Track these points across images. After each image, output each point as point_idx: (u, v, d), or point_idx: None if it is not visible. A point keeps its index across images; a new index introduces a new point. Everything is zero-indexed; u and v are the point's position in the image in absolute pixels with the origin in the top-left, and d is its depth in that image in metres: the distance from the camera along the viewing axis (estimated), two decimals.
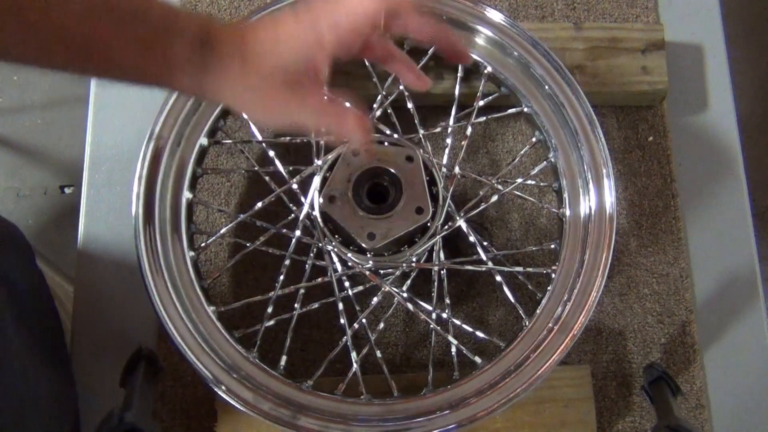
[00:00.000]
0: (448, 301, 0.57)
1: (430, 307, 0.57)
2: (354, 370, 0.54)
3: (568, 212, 0.58)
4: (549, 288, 0.56)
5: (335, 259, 0.56)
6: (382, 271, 0.57)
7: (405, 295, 0.57)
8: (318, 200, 0.54)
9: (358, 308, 0.57)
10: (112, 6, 0.37)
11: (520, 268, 0.59)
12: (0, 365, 0.46)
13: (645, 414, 0.61)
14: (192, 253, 0.56)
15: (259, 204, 0.58)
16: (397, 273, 0.57)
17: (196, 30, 0.40)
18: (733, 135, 0.68)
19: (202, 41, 0.40)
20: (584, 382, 0.59)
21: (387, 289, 0.56)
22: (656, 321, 0.63)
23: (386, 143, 0.56)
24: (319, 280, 0.57)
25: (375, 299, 0.57)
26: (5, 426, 0.46)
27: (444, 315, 0.57)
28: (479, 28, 0.59)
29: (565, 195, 0.58)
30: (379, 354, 0.56)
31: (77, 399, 0.58)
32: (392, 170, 0.54)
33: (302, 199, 0.57)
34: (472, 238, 0.58)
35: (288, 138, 0.62)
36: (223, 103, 0.45)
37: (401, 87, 0.59)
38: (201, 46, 0.40)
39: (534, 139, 0.61)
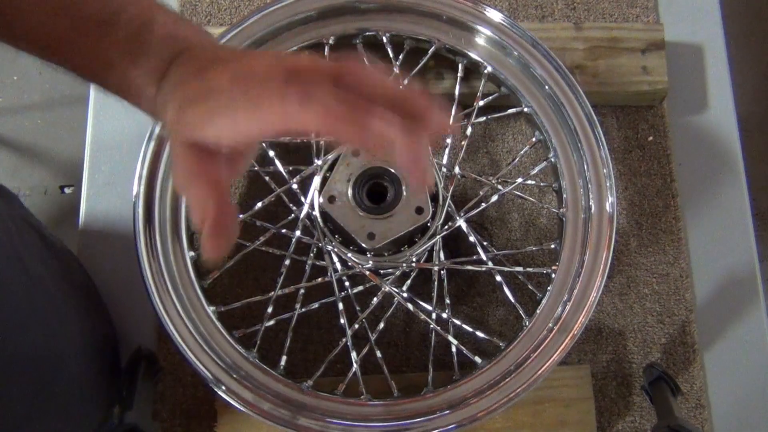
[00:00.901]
0: (448, 301, 0.57)
1: (430, 307, 0.57)
2: (354, 370, 0.54)
3: (568, 212, 0.58)
4: (549, 288, 0.56)
5: (335, 259, 0.57)
6: (382, 271, 0.57)
7: (405, 295, 0.57)
8: (318, 200, 0.54)
9: (358, 308, 0.57)
10: (80, 14, 0.35)
11: (520, 268, 0.59)
12: (31, 300, 0.46)
13: (645, 414, 0.61)
14: (192, 253, 0.56)
15: (259, 204, 0.58)
16: (397, 273, 0.57)
17: (162, 53, 0.36)
18: (733, 135, 0.68)
19: (162, 73, 0.36)
20: (584, 382, 0.59)
21: (387, 289, 0.56)
22: (656, 321, 0.63)
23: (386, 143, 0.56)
24: (319, 280, 0.57)
25: (375, 299, 0.57)
26: (40, 363, 0.46)
27: (444, 315, 0.57)
28: (479, 28, 0.59)
29: (565, 195, 0.58)
30: (379, 354, 0.56)
31: (116, 338, 0.59)
32: (392, 170, 0.54)
33: (302, 199, 0.57)
34: (472, 238, 0.58)
35: (288, 138, 0.62)
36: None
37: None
38: (160, 77, 0.36)
39: (534, 139, 0.61)
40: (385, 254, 0.55)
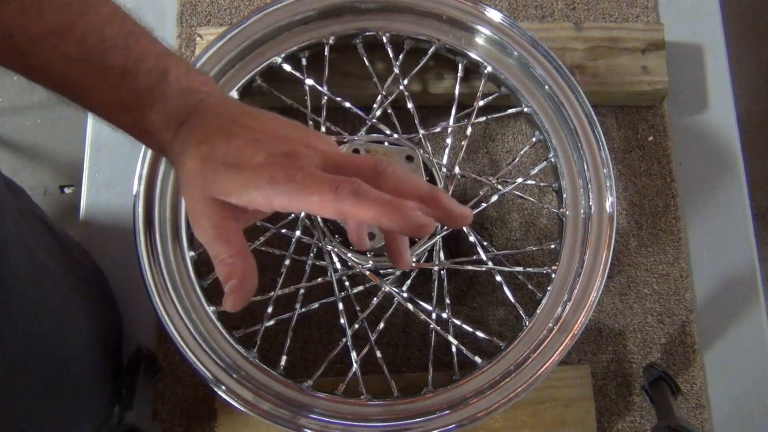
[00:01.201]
0: (448, 301, 0.57)
1: (430, 307, 0.57)
2: (354, 370, 0.54)
3: (568, 212, 0.58)
4: (549, 288, 0.56)
5: (335, 259, 0.57)
6: (382, 271, 0.57)
7: (405, 295, 0.57)
8: None
9: (358, 308, 0.57)
10: (103, 64, 0.37)
11: (520, 268, 0.59)
12: (41, 291, 0.47)
13: (645, 414, 0.61)
14: (192, 253, 0.56)
15: None
16: (397, 273, 0.57)
17: (179, 103, 0.38)
18: (733, 135, 0.68)
19: (180, 121, 0.38)
20: (584, 382, 0.59)
21: (387, 289, 0.56)
22: (656, 321, 0.63)
23: (386, 143, 0.56)
24: (319, 280, 0.57)
25: (375, 299, 0.57)
26: (50, 353, 0.47)
27: (444, 315, 0.57)
28: (479, 28, 0.59)
29: (565, 195, 0.58)
30: (379, 354, 0.56)
31: (122, 332, 0.59)
32: None
33: None
34: (472, 238, 0.58)
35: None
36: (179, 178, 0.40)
37: (401, 87, 0.59)
38: (177, 125, 0.38)
39: (534, 139, 0.61)
40: (385, 254, 0.55)
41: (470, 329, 0.57)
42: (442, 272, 0.57)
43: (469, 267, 0.59)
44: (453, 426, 0.52)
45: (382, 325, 0.57)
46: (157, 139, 0.39)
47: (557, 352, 0.53)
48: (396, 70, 0.60)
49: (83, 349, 0.52)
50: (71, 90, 0.38)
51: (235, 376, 0.52)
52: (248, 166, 0.35)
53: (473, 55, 0.60)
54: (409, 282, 0.57)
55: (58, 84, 0.38)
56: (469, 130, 0.60)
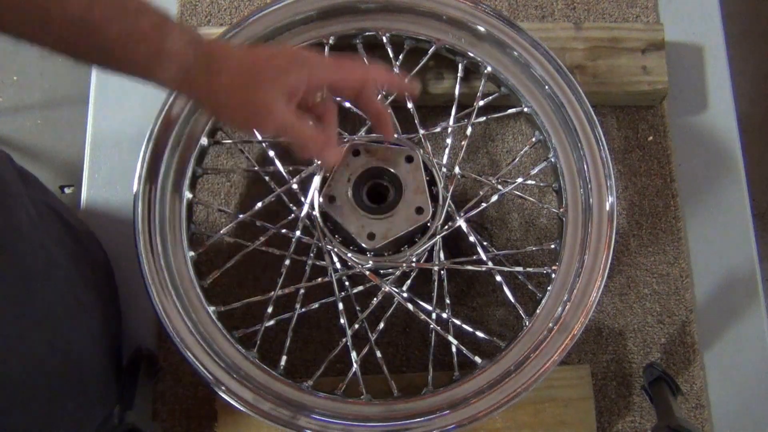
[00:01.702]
0: (448, 301, 0.57)
1: (430, 307, 0.57)
2: (354, 370, 0.54)
3: (568, 212, 0.58)
4: (549, 288, 0.56)
5: (335, 259, 0.56)
6: (382, 271, 0.57)
7: (405, 295, 0.57)
8: (318, 200, 0.54)
9: (358, 308, 0.57)
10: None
11: (520, 268, 0.59)
12: (54, 288, 0.48)
13: (645, 414, 0.61)
14: (192, 253, 0.56)
15: (259, 204, 0.58)
16: (397, 273, 0.57)
17: (190, 31, 0.43)
18: (733, 135, 0.68)
19: (195, 39, 0.43)
20: (584, 382, 0.59)
21: (387, 289, 0.56)
22: (656, 321, 0.63)
23: (386, 143, 0.56)
24: (319, 280, 0.57)
25: (375, 299, 0.57)
26: (62, 351, 0.48)
27: (444, 315, 0.57)
28: (479, 28, 0.59)
29: (565, 195, 0.58)
30: (379, 354, 0.56)
31: (120, 319, 0.60)
32: (392, 170, 0.54)
33: (302, 199, 0.57)
34: (472, 238, 0.58)
35: None
36: (198, 100, 0.46)
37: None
38: (194, 43, 0.43)
39: (534, 139, 0.61)
40: (385, 254, 0.55)
41: (470, 329, 0.57)
42: (442, 272, 0.57)
43: (469, 267, 0.59)
44: (453, 426, 0.52)
45: (382, 325, 0.57)
46: (179, 60, 0.42)
47: (557, 352, 0.53)
48: (396, 70, 0.60)
49: (93, 345, 0.53)
50: (87, 30, 0.39)
51: (235, 376, 0.52)
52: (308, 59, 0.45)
53: (473, 55, 0.60)
54: (409, 282, 0.57)
55: (69, 30, 0.39)
56: (469, 130, 0.60)
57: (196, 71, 0.42)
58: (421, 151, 0.56)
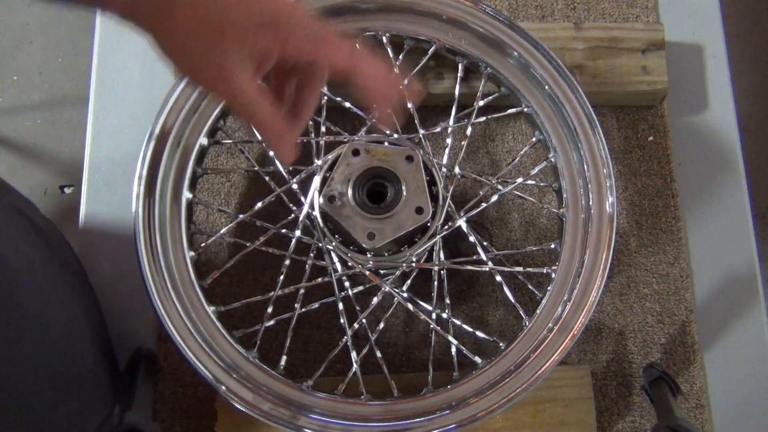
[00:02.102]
0: (448, 301, 0.57)
1: (430, 307, 0.57)
2: (354, 370, 0.54)
3: (568, 212, 0.58)
4: (549, 288, 0.56)
5: (335, 259, 0.56)
6: (382, 271, 0.57)
7: (405, 295, 0.57)
8: (318, 200, 0.54)
9: (358, 308, 0.57)
10: None
11: (520, 268, 0.59)
12: (18, 282, 0.46)
13: (645, 414, 0.61)
14: (192, 253, 0.56)
15: (259, 204, 0.58)
16: (397, 273, 0.57)
17: None
18: (733, 135, 0.68)
19: None
20: (584, 382, 0.59)
21: (387, 289, 0.56)
22: (656, 321, 0.63)
23: (386, 143, 0.56)
24: (319, 280, 0.57)
25: (375, 299, 0.57)
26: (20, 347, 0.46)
27: (444, 315, 0.57)
28: (479, 28, 0.59)
29: (565, 195, 0.58)
30: (379, 354, 0.56)
31: (104, 322, 0.59)
32: (392, 170, 0.54)
33: (302, 199, 0.57)
34: (472, 238, 0.58)
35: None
36: (153, 39, 0.37)
37: (401, 87, 0.59)
38: None
39: (534, 139, 0.61)
40: (385, 254, 0.55)
41: (470, 329, 0.57)
42: (442, 272, 0.57)
43: (469, 267, 0.59)
44: (453, 426, 0.52)
45: (382, 325, 0.57)
46: None
47: (557, 352, 0.53)
48: (396, 70, 0.60)
49: (82, 342, 0.52)
50: None
51: (235, 376, 0.52)
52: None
53: (473, 55, 0.60)
54: (409, 282, 0.57)
55: None
56: (469, 130, 0.60)
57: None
58: (421, 151, 0.56)
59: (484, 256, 0.58)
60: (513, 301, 0.57)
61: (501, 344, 0.56)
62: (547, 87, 0.58)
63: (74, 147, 1.52)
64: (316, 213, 0.55)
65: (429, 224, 0.55)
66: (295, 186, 0.58)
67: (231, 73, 0.36)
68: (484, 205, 0.59)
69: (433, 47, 0.60)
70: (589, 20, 0.69)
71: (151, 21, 0.36)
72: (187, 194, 0.57)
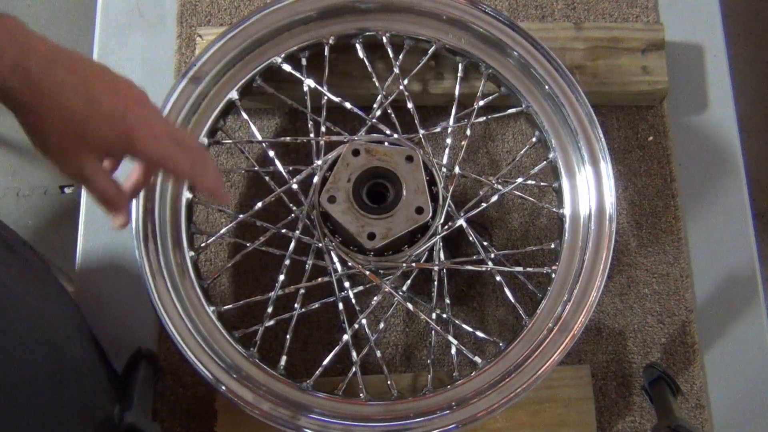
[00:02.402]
0: (448, 301, 0.57)
1: (430, 307, 0.57)
2: (354, 370, 0.54)
3: (568, 212, 0.58)
4: (549, 288, 0.56)
5: (335, 259, 0.56)
6: (382, 271, 0.57)
7: (405, 295, 0.57)
8: (318, 200, 0.54)
9: (358, 308, 0.57)
10: None
11: (520, 268, 0.59)
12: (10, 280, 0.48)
13: (645, 414, 0.61)
14: (192, 253, 0.56)
15: (259, 204, 0.58)
16: (397, 273, 0.57)
17: (16, 52, 0.39)
18: (733, 135, 0.68)
19: (19, 65, 0.39)
20: (584, 382, 0.59)
21: (387, 289, 0.56)
22: (656, 321, 0.63)
23: (386, 143, 0.56)
24: (319, 280, 0.57)
25: (375, 299, 0.57)
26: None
27: (444, 315, 0.57)
28: (479, 27, 0.59)
29: (565, 195, 0.58)
30: (379, 354, 0.56)
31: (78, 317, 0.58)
32: (392, 170, 0.54)
33: (302, 199, 0.57)
34: (472, 238, 0.58)
35: (288, 138, 0.63)
36: (16, 117, 0.43)
37: (401, 87, 0.59)
38: (16, 69, 0.39)
39: (534, 139, 0.61)
40: (385, 254, 0.55)
41: (470, 329, 0.57)
42: (442, 272, 0.57)
43: (469, 267, 0.59)
44: (453, 426, 0.52)
45: (382, 325, 0.57)
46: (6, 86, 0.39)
47: (557, 352, 0.53)
48: (396, 70, 0.60)
49: (72, 334, 0.52)
50: None
51: (235, 376, 0.52)
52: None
53: (473, 55, 0.60)
54: (409, 282, 0.57)
55: None
56: (468, 131, 0.60)
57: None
58: (421, 151, 0.56)
59: (484, 256, 0.58)
60: (513, 301, 0.57)
61: (501, 344, 0.56)
62: (547, 87, 0.58)
63: None
64: (316, 213, 0.55)
65: (429, 224, 0.55)
66: (295, 186, 0.58)
67: (82, 168, 0.43)
68: (484, 205, 0.59)
69: (433, 47, 0.60)
70: (589, 20, 0.69)
71: (21, 112, 0.41)
72: (187, 194, 0.57)
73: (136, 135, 0.44)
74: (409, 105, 0.59)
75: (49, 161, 0.44)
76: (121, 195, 0.48)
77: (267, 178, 0.59)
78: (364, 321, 0.56)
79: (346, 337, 0.55)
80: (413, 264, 0.56)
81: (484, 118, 0.61)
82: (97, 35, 0.69)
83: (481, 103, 0.60)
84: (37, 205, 1.49)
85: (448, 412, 0.52)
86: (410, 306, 0.57)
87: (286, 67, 0.60)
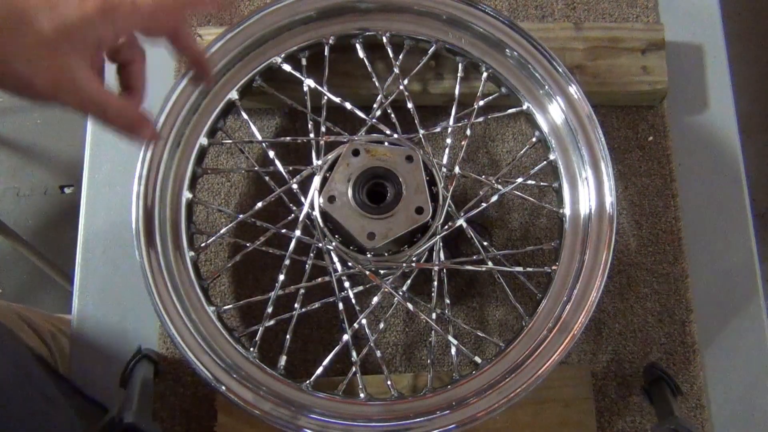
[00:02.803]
0: (448, 301, 0.57)
1: (430, 307, 0.57)
2: (354, 370, 0.54)
3: (568, 212, 0.58)
4: (549, 288, 0.56)
5: (335, 259, 0.56)
6: (382, 271, 0.57)
7: (405, 294, 0.57)
8: (318, 200, 0.54)
9: (358, 308, 0.57)
10: None
11: (520, 268, 0.59)
12: None
13: (645, 414, 0.61)
14: (192, 253, 0.56)
15: (259, 204, 0.58)
16: (397, 273, 0.57)
17: None
18: (733, 135, 0.68)
19: None
20: (584, 382, 0.59)
21: (387, 289, 0.56)
22: (656, 321, 0.63)
23: (386, 143, 0.56)
24: (319, 280, 0.57)
25: (375, 299, 0.57)
26: None
27: (444, 315, 0.57)
28: (479, 27, 0.59)
29: (565, 195, 0.58)
30: (379, 354, 0.56)
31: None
32: (392, 170, 0.54)
33: (302, 199, 0.57)
34: (472, 238, 0.58)
35: (288, 138, 0.63)
36: None
37: (401, 87, 0.59)
38: None
39: (534, 139, 0.61)
40: (385, 254, 0.55)
41: (470, 329, 0.57)
42: (442, 272, 0.57)
43: (469, 267, 0.59)
44: (453, 426, 0.52)
45: (382, 325, 0.57)
46: None
47: (557, 352, 0.53)
48: (396, 70, 0.60)
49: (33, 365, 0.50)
50: None
51: (235, 376, 0.52)
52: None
53: (473, 55, 0.60)
54: (409, 282, 0.57)
55: None
56: (468, 131, 0.60)
57: None
58: (421, 151, 0.56)
59: (484, 256, 0.58)
60: (513, 301, 0.57)
61: (501, 344, 0.56)
62: (547, 87, 0.58)
63: (74, 147, 1.52)
64: (316, 213, 0.55)
65: (429, 224, 0.55)
66: (295, 186, 0.58)
67: (72, 80, 0.37)
68: (484, 205, 0.59)
69: (433, 47, 0.60)
70: (589, 20, 0.69)
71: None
72: (187, 194, 0.57)
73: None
74: (409, 105, 0.59)
75: (37, 92, 0.38)
76: (135, 100, 0.43)
77: (267, 178, 0.59)
78: (364, 321, 0.56)
79: (346, 337, 0.55)
80: (413, 264, 0.56)
81: (484, 118, 0.61)
82: None
83: (481, 103, 0.60)
84: (37, 205, 1.49)
85: (448, 412, 0.52)
86: (410, 306, 0.57)
87: (286, 67, 0.60)
